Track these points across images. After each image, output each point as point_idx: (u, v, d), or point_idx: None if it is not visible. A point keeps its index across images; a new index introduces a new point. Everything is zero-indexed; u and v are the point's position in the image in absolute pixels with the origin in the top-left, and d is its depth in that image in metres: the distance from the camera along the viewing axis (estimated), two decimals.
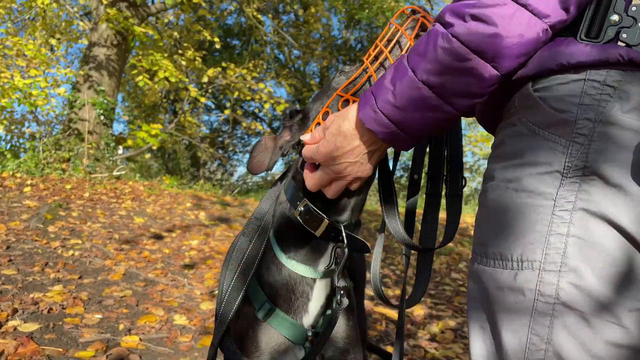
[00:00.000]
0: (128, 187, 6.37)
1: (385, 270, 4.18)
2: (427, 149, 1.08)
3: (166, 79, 8.05)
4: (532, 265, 0.65)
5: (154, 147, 8.38)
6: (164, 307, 2.85)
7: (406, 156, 8.09)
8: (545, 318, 0.63)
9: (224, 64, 9.62)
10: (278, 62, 14.39)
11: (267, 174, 19.47)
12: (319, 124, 0.94)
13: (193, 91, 8.91)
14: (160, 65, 7.64)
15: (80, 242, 3.86)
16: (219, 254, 4.25)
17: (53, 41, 8.24)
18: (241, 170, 19.26)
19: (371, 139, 0.81)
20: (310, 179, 0.92)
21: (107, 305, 2.75)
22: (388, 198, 0.98)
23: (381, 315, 3.00)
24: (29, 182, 5.49)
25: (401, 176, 14.12)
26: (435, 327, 2.86)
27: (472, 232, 6.38)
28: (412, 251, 1.10)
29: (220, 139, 16.28)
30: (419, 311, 3.14)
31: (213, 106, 15.75)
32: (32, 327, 2.28)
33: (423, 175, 1.10)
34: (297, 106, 13.22)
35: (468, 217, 9.07)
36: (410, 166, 1.10)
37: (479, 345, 0.72)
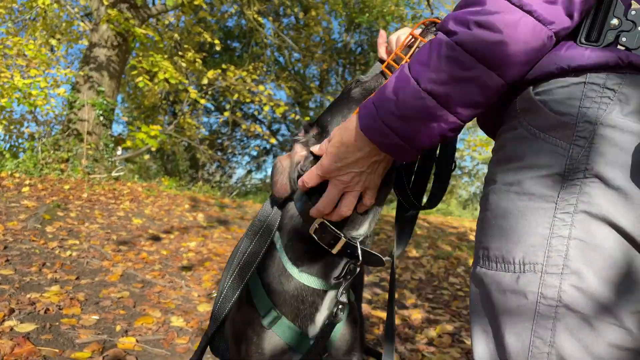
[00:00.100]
0: (126, 188, 6.36)
1: (383, 273, 4.18)
2: None
3: (166, 80, 8.05)
4: (534, 268, 0.65)
5: (153, 149, 8.38)
6: (161, 309, 2.84)
7: None
8: (547, 321, 0.63)
9: (224, 66, 9.62)
10: (278, 64, 14.41)
11: (265, 176, 19.45)
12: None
13: (193, 93, 8.91)
14: (160, 67, 7.64)
15: (78, 242, 3.85)
16: (217, 255, 4.25)
17: (53, 41, 8.24)
18: (240, 172, 19.27)
19: (373, 150, 0.80)
20: (322, 199, 0.90)
21: (104, 306, 2.74)
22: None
23: (379, 319, 3.00)
24: (27, 182, 5.48)
25: None
26: (432, 332, 2.86)
27: (470, 237, 6.40)
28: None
29: (219, 140, 16.28)
30: (416, 315, 3.14)
31: (212, 108, 15.76)
32: (28, 327, 2.27)
33: None
34: (297, 109, 13.20)
35: (466, 221, 9.07)
36: None
37: (482, 348, 0.72)
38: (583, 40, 0.66)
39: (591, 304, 0.62)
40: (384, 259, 0.97)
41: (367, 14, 11.67)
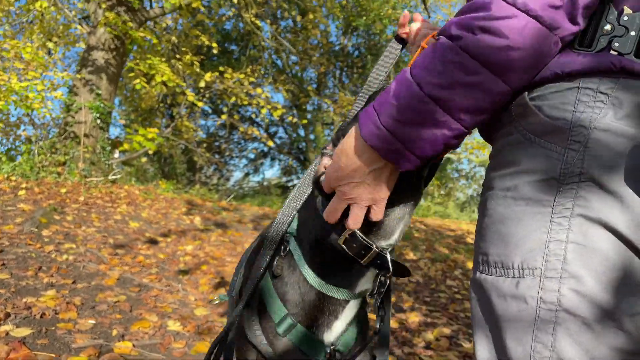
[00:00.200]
0: (123, 192, 6.35)
1: None
2: None
3: (163, 83, 8.05)
4: (533, 272, 0.65)
5: (151, 151, 8.36)
6: (158, 313, 2.84)
7: None
8: (548, 325, 0.64)
9: (221, 69, 9.62)
10: (276, 67, 14.43)
11: (263, 179, 19.42)
12: None
13: (190, 95, 8.91)
14: (157, 70, 7.64)
15: (74, 246, 3.84)
16: (214, 259, 4.24)
17: (50, 44, 8.23)
18: (237, 175, 19.25)
19: (372, 156, 0.76)
20: (327, 209, 0.88)
21: (100, 310, 2.74)
22: None
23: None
24: (23, 185, 5.46)
25: None
26: (430, 335, 2.85)
27: (467, 240, 6.40)
28: None
29: (217, 143, 16.28)
30: (414, 318, 3.14)
31: (210, 111, 15.76)
32: (24, 332, 2.26)
33: None
34: (295, 112, 13.19)
35: (464, 224, 9.08)
36: None
37: (484, 354, 0.72)
38: (576, 46, 0.67)
39: (591, 307, 0.62)
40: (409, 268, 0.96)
41: (364, 17, 11.70)
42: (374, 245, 0.90)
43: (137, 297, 3.06)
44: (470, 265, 4.95)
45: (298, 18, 13.10)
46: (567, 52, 0.67)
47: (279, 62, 14.65)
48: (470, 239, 6.22)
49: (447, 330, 2.93)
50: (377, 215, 0.85)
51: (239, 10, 10.19)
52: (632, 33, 0.64)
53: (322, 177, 0.91)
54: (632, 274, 0.61)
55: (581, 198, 0.64)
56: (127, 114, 13.17)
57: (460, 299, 3.79)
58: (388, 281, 0.95)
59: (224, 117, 12.15)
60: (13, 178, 5.82)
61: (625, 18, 0.64)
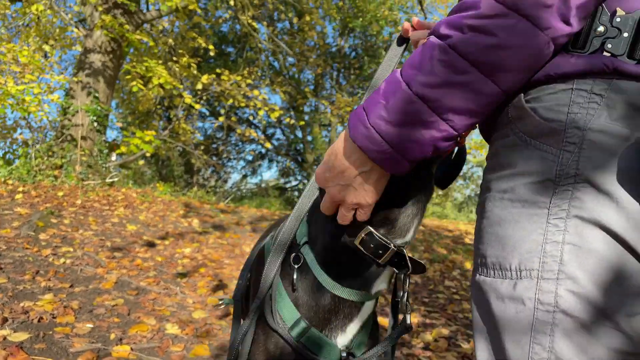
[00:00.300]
0: (121, 194, 6.34)
1: None
2: None
3: (160, 85, 8.04)
4: (531, 274, 0.65)
5: (148, 154, 8.35)
6: (156, 316, 2.83)
7: None
8: (546, 326, 0.64)
9: (218, 71, 9.62)
10: (273, 69, 14.45)
11: (261, 181, 19.40)
12: None
13: (187, 98, 8.90)
14: (154, 72, 7.63)
15: (71, 250, 3.83)
16: (212, 262, 4.23)
17: (47, 47, 8.21)
18: (235, 177, 19.24)
19: (360, 158, 0.75)
20: (321, 203, 0.88)
21: (98, 314, 2.73)
22: None
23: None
24: (20, 189, 5.45)
25: None
26: (428, 336, 2.85)
27: (465, 240, 6.41)
28: None
29: (214, 145, 16.27)
30: (412, 319, 3.14)
31: (207, 113, 15.75)
32: (22, 336, 2.25)
33: None
34: (292, 113, 13.19)
35: (462, 224, 9.09)
36: None
37: (484, 355, 0.72)
38: (570, 47, 0.67)
39: (588, 308, 0.62)
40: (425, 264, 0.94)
41: (360, 19, 11.72)
42: (392, 244, 0.88)
43: (135, 300, 3.06)
44: (468, 265, 4.95)
45: (295, 20, 13.12)
46: (561, 53, 0.67)
47: (276, 63, 14.67)
48: (468, 240, 6.23)
49: (445, 331, 2.93)
50: (362, 216, 0.85)
51: (236, 13, 10.20)
52: (625, 34, 0.64)
53: None
54: (628, 274, 0.62)
55: (577, 199, 0.64)
56: (124, 116, 13.16)
57: (458, 299, 3.79)
58: (409, 280, 0.94)
59: (221, 119, 12.14)
60: (10, 182, 5.80)
61: (618, 19, 0.64)
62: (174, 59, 9.34)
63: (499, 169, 0.73)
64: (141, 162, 11.61)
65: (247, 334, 1.00)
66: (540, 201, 0.66)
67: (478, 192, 0.89)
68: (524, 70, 0.65)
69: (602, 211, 0.62)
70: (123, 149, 7.79)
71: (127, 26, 7.36)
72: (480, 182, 0.86)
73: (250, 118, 15.41)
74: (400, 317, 0.97)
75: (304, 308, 0.97)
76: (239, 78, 9.71)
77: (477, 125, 0.74)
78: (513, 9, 0.62)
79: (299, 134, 16.51)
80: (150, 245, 4.45)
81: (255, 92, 9.82)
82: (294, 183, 17.83)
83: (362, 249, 0.89)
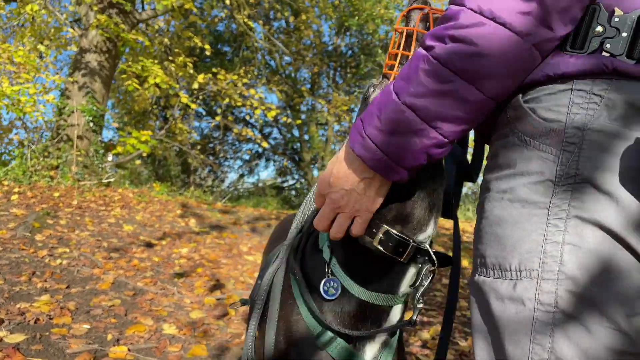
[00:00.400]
0: (117, 195, 6.32)
1: None
2: None
3: (156, 85, 8.01)
4: (531, 274, 0.66)
5: (144, 154, 8.33)
6: (153, 317, 2.82)
7: None
8: (546, 327, 0.64)
9: (214, 70, 9.60)
10: (269, 68, 14.42)
11: (258, 180, 19.36)
12: None
13: (184, 97, 8.88)
14: (150, 72, 7.61)
15: (68, 250, 3.81)
16: (209, 262, 4.23)
17: (42, 47, 8.18)
18: (232, 176, 19.24)
19: (361, 166, 0.77)
20: (317, 217, 0.87)
21: (95, 315, 2.72)
22: None
23: None
24: (16, 189, 5.42)
25: None
26: (426, 334, 2.86)
27: (463, 238, 6.41)
28: None
29: (211, 145, 16.24)
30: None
31: (204, 112, 15.72)
32: (18, 337, 2.24)
33: None
34: (289, 112, 13.18)
35: (459, 222, 9.10)
36: None
37: (483, 356, 0.72)
38: (568, 48, 0.67)
39: (587, 308, 0.62)
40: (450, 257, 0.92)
41: (356, 17, 11.72)
42: (411, 240, 0.86)
43: (132, 301, 3.05)
44: (465, 263, 4.96)
45: (291, 19, 13.10)
46: (560, 54, 0.67)
47: (272, 62, 14.65)
48: (466, 238, 6.24)
49: None
50: (357, 228, 0.83)
51: (232, 12, 10.18)
52: (624, 34, 0.64)
53: None
54: (628, 274, 0.62)
55: (576, 199, 0.64)
56: (121, 116, 13.12)
57: None
58: (434, 274, 0.91)
59: (217, 118, 12.13)
60: (5, 182, 5.78)
61: (617, 19, 0.64)
62: (170, 58, 9.32)
63: (498, 169, 0.73)
64: (138, 162, 11.59)
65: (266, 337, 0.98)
66: (540, 201, 0.66)
67: (475, 191, 0.89)
68: (508, 77, 0.66)
69: (602, 211, 0.62)
70: (119, 149, 7.77)
71: (122, 26, 7.33)
72: (479, 181, 0.86)
73: (247, 117, 15.40)
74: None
75: (329, 315, 0.93)
76: (235, 77, 9.69)
77: (469, 130, 0.75)
78: (490, 18, 0.63)
79: (296, 133, 16.50)
80: (147, 245, 4.44)
81: (252, 91, 9.81)
82: (291, 182, 17.83)
83: (381, 249, 0.86)
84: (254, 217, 6.61)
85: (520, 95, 0.70)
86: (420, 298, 0.90)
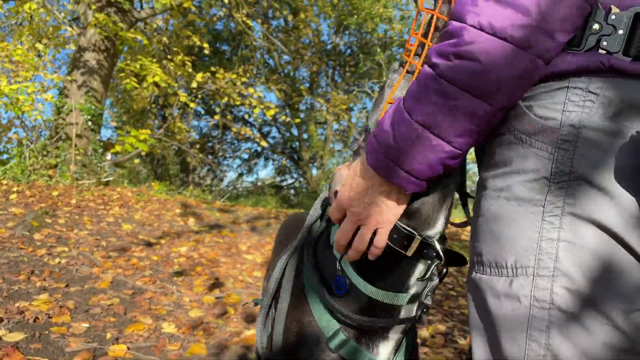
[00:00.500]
0: (116, 194, 6.31)
1: None
2: None
3: (155, 84, 8.00)
4: (526, 271, 0.66)
5: (143, 153, 8.32)
6: (152, 315, 2.82)
7: None
8: (542, 323, 0.64)
9: (213, 69, 9.59)
10: (268, 67, 14.41)
11: (257, 179, 19.35)
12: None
13: (182, 96, 8.88)
14: (149, 70, 7.60)
15: (66, 249, 3.81)
16: (208, 260, 4.23)
17: (40, 46, 8.16)
18: (231, 175, 19.22)
19: (379, 180, 0.78)
20: (337, 232, 0.87)
21: (94, 313, 2.72)
22: None
23: None
24: (14, 188, 5.42)
25: None
26: (425, 332, 2.86)
27: (461, 236, 6.42)
28: None
29: (210, 144, 16.22)
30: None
31: (203, 111, 15.71)
32: (17, 336, 2.24)
33: None
34: (288, 111, 13.16)
35: (457, 220, 9.10)
36: None
37: (480, 353, 0.73)
38: (565, 46, 0.67)
39: (583, 305, 0.62)
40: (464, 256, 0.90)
41: (355, 16, 11.71)
42: (417, 234, 0.85)
43: (131, 299, 3.05)
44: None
45: (289, 17, 13.09)
46: None
47: (271, 61, 14.63)
48: (464, 236, 6.25)
49: (442, 327, 2.94)
50: (380, 240, 0.83)
51: (230, 10, 10.17)
52: (620, 32, 0.64)
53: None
54: (623, 271, 0.62)
55: (572, 197, 0.64)
56: (119, 115, 13.10)
57: (455, 295, 3.80)
58: (444, 271, 0.90)
59: (216, 117, 12.12)
60: (4, 182, 5.77)
61: (613, 17, 0.64)
62: (169, 57, 9.31)
63: (495, 167, 0.74)
64: (136, 161, 11.57)
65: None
66: (536, 199, 0.67)
67: (473, 189, 0.89)
68: (515, 88, 0.67)
69: (597, 208, 0.63)
70: (118, 148, 7.76)
71: (120, 24, 7.32)
72: (475, 178, 0.86)
73: (246, 116, 15.41)
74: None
75: (340, 314, 0.92)
76: (234, 76, 9.69)
77: (482, 138, 0.75)
78: (491, 33, 0.63)
79: (295, 131, 16.50)
80: (146, 244, 4.44)
81: (251, 90, 9.80)
82: (290, 181, 17.83)
83: (389, 242, 0.86)
84: (253, 216, 6.61)
85: None
86: (428, 295, 0.90)
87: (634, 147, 0.62)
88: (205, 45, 9.18)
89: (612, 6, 0.65)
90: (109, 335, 2.44)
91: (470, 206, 0.93)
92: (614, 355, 0.62)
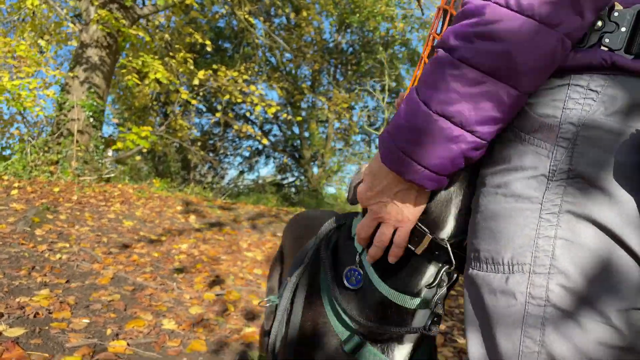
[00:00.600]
0: (117, 190, 6.32)
1: None
2: None
3: (157, 80, 8.00)
4: (523, 268, 0.66)
5: (144, 150, 8.33)
6: (153, 312, 2.83)
7: None
8: (537, 320, 0.64)
9: (215, 67, 9.59)
10: (269, 65, 14.40)
11: (258, 177, 19.35)
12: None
13: (184, 93, 8.87)
14: (150, 67, 7.60)
15: (67, 245, 3.82)
16: (209, 257, 4.23)
17: (42, 42, 8.17)
18: (232, 173, 19.22)
19: (396, 178, 0.76)
20: (359, 225, 0.86)
21: (94, 309, 2.72)
22: None
23: None
24: (16, 184, 5.43)
25: None
26: None
27: None
28: None
29: (211, 141, 16.23)
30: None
31: (204, 109, 15.71)
32: (17, 332, 2.25)
33: None
34: (289, 109, 13.15)
35: None
36: None
37: (475, 349, 0.72)
38: None
39: (578, 302, 0.62)
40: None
41: (357, 14, 11.69)
42: (428, 231, 0.81)
43: (131, 296, 3.05)
44: None
45: (292, 15, 13.08)
46: None
47: (272, 59, 14.62)
48: None
49: (441, 326, 2.94)
50: (400, 238, 0.81)
51: (232, 8, 10.15)
52: (623, 29, 0.63)
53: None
54: (619, 269, 0.62)
55: (569, 195, 0.64)
56: (121, 112, 13.11)
57: (454, 294, 3.80)
58: (454, 276, 0.86)
59: (218, 115, 12.12)
60: (5, 177, 5.78)
61: (616, 14, 0.64)
62: (171, 54, 9.31)
63: (493, 164, 0.73)
64: (138, 158, 11.58)
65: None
66: (534, 196, 0.66)
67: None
68: (542, 70, 0.64)
69: (595, 207, 0.62)
70: (119, 144, 7.77)
71: (123, 21, 7.31)
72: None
73: (247, 114, 15.40)
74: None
75: (355, 313, 0.90)
76: (235, 74, 9.68)
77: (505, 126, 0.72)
78: (517, 11, 0.61)
79: (296, 130, 16.50)
80: (147, 241, 4.45)
81: (252, 87, 9.80)
82: (291, 179, 17.83)
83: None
84: (254, 214, 6.61)
85: None
86: (438, 303, 0.85)
87: (634, 145, 0.61)
88: (207, 42, 9.17)
89: (616, 3, 0.64)
90: (109, 331, 2.45)
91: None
92: (608, 353, 0.62)
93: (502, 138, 0.72)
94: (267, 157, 17.72)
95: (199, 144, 14.32)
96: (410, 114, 0.70)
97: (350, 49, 15.53)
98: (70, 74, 7.39)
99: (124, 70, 8.18)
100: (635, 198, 0.61)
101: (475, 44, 0.62)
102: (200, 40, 9.20)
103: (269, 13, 13.68)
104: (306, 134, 16.07)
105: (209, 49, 9.62)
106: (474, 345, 0.72)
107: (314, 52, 14.20)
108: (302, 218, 1.62)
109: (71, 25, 8.15)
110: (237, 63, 11.57)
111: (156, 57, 8.38)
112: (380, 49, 13.04)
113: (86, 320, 2.54)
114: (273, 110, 9.80)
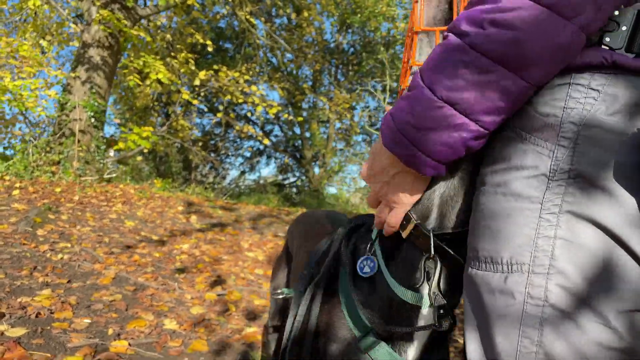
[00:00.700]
0: (119, 191, 6.33)
1: None
2: None
3: (158, 81, 8.01)
4: (522, 268, 0.66)
5: (146, 150, 8.33)
6: (154, 312, 2.83)
7: None
8: (535, 320, 0.64)
9: (216, 67, 9.59)
10: (271, 65, 14.40)
11: (259, 177, 19.35)
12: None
13: (185, 94, 8.88)
14: (152, 67, 7.61)
15: (69, 245, 3.82)
16: (210, 258, 4.23)
17: (44, 43, 8.18)
18: (233, 173, 19.23)
19: (394, 160, 0.77)
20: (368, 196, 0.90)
21: (96, 309, 2.73)
22: None
23: None
24: (17, 184, 5.43)
25: None
26: None
27: None
28: None
29: (212, 142, 16.24)
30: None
31: (205, 109, 15.72)
32: (19, 331, 2.25)
33: None
34: (290, 109, 13.14)
35: None
36: None
37: (473, 348, 0.72)
38: None
39: (577, 303, 0.62)
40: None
41: (359, 15, 11.70)
42: (413, 216, 0.81)
43: (132, 296, 3.06)
44: None
45: (293, 16, 13.08)
46: None
47: (274, 60, 14.62)
48: None
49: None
50: (391, 219, 0.83)
51: (233, 8, 10.16)
52: (624, 28, 0.63)
53: None
54: (619, 270, 0.61)
55: (570, 194, 0.64)
56: (122, 112, 13.13)
57: None
58: (438, 265, 0.82)
59: (219, 115, 12.13)
60: (7, 177, 5.79)
61: (617, 13, 0.64)
62: (172, 54, 9.31)
63: (493, 163, 0.73)
64: (139, 158, 11.60)
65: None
66: (533, 196, 0.66)
67: None
68: (553, 63, 0.63)
69: (595, 207, 0.62)
70: (121, 144, 7.78)
71: (124, 21, 7.32)
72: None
73: (249, 114, 15.41)
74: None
75: (368, 309, 0.90)
76: (236, 74, 9.68)
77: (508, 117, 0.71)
78: (535, 0, 0.60)
79: (297, 130, 16.50)
80: (149, 241, 4.45)
81: (254, 88, 9.80)
82: (292, 179, 17.83)
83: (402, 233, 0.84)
84: (255, 214, 6.62)
85: None
86: (436, 295, 0.82)
87: (635, 145, 0.61)
88: (209, 43, 9.18)
89: None
90: (110, 331, 2.45)
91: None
92: (606, 354, 0.61)
93: (503, 137, 0.72)
94: (269, 157, 17.74)
95: (200, 144, 14.32)
96: (413, 98, 0.70)
97: (352, 49, 15.54)
98: (72, 74, 7.40)
99: (125, 71, 8.19)
100: (636, 198, 0.61)
101: (488, 30, 0.61)
102: (201, 41, 9.21)
103: (270, 13, 13.69)
104: (307, 134, 16.08)
105: (210, 49, 9.61)
106: (472, 344, 0.72)
107: (315, 53, 14.20)
108: (309, 217, 1.62)
109: (73, 25, 8.16)
110: (238, 63, 11.58)
111: (157, 57, 8.39)
112: (382, 49, 13.04)
113: (88, 320, 2.55)
114: (274, 110, 9.80)
